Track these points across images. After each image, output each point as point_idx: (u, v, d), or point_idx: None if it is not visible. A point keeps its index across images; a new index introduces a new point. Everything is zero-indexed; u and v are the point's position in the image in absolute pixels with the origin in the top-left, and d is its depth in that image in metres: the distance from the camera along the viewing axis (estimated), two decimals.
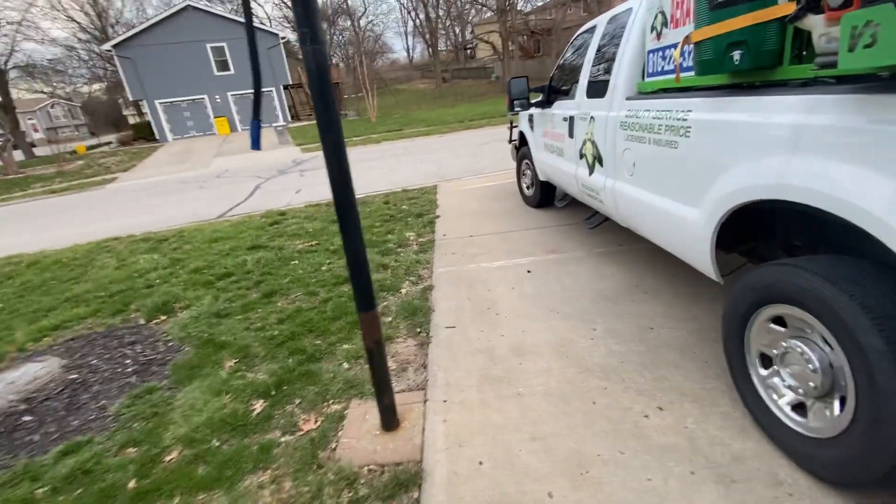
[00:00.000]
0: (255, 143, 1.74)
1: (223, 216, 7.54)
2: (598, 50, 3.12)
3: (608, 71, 2.86)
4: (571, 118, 3.44)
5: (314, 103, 1.49)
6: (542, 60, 33.56)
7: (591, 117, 3.04)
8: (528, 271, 3.55)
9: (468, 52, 49.99)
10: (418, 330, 2.86)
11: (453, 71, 43.57)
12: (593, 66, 3.16)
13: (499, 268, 3.71)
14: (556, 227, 4.53)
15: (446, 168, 9.03)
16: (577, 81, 3.43)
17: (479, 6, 40.69)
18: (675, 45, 2.18)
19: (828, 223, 1.45)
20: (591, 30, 3.36)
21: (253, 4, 42.95)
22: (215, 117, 24.78)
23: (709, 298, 2.79)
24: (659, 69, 2.36)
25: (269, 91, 25.88)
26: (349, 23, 42.31)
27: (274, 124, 19.40)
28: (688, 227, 2.02)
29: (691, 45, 1.81)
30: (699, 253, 1.99)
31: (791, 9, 1.48)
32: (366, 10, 47.76)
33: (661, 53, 2.33)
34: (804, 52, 1.53)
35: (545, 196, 5.00)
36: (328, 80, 1.47)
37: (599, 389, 2.12)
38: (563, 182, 3.93)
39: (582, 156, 3.29)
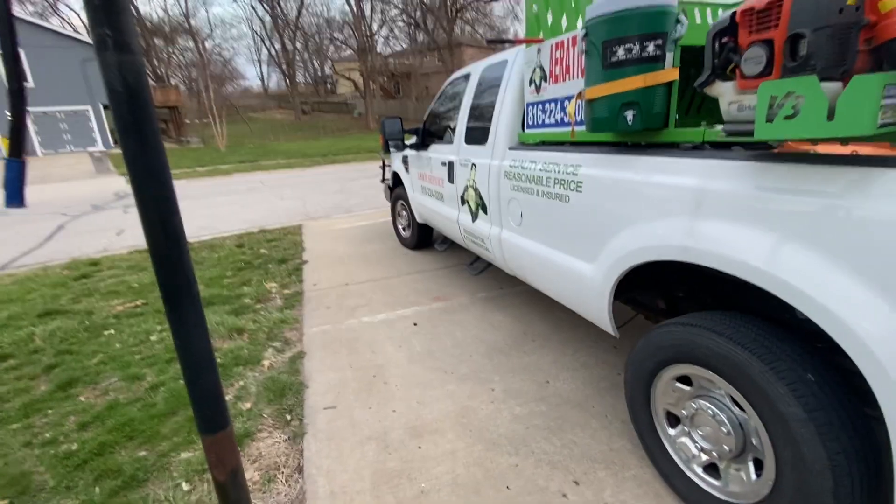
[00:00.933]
0: (14, 198, 1.12)
1: (6, 267, 5.67)
2: (476, 97, 3.09)
3: (488, 119, 2.82)
4: (451, 163, 3.33)
5: (121, 138, 0.99)
6: (403, 102, 34.93)
7: (473, 164, 2.96)
8: (415, 324, 3.25)
9: (328, 86, 49.53)
10: (288, 417, 2.30)
11: (313, 104, 42.53)
12: (471, 113, 3.12)
13: (382, 322, 3.33)
14: (436, 270, 4.36)
15: (312, 205, 8.37)
16: (454, 127, 3.36)
17: (339, 43, 40.94)
18: (555, 100, 2.19)
19: (713, 277, 1.47)
20: (466, 77, 3.35)
21: (65, 10, 36.18)
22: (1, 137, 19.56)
23: (592, 343, 2.84)
24: (539, 122, 2.35)
25: (83, 109, 21.59)
26: (192, 43, 38.40)
27: (89, 148, 16.06)
28: (583, 282, 1.97)
29: (581, 102, 1.79)
30: (596, 308, 1.94)
31: (675, 74, 1.51)
32: (212, 31, 44.00)
33: (540, 107, 2.33)
34: (685, 115, 1.59)
35: (423, 237, 4.84)
36: (145, 104, 1.00)
37: (511, 468, 1.89)
38: (444, 227, 3.79)
39: (464, 202, 3.18)
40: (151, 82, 35.77)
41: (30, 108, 18.54)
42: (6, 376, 2.80)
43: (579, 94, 1.64)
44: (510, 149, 2.55)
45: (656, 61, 1.50)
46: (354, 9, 31.89)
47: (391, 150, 4.07)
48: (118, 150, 21.55)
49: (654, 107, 1.55)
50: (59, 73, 20.43)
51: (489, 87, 2.91)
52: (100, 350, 3.11)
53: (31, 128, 20.36)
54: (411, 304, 3.62)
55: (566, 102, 2.08)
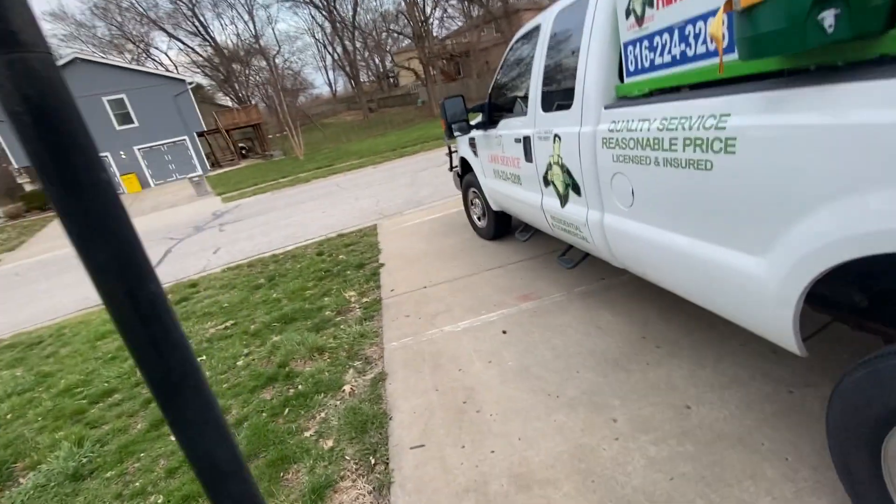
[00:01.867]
0: None
1: None
2: (550, 53, 2.51)
3: (570, 76, 2.24)
4: (527, 139, 2.80)
5: (40, 180, 0.65)
6: (465, 82, 34.10)
7: (556, 136, 2.40)
8: (504, 332, 2.81)
9: (391, 80, 50.12)
10: (372, 460, 2.00)
11: (378, 100, 43.32)
12: (546, 73, 2.55)
13: (466, 330, 2.94)
14: (520, 263, 3.86)
15: (385, 203, 8.25)
16: (526, 94, 2.81)
17: (396, 35, 41.01)
18: (671, 28, 1.57)
19: None
20: (534, 31, 2.77)
21: (155, 52, 40.59)
22: (122, 175, 22.45)
23: (739, 347, 2.18)
24: (647, 64, 1.74)
25: (181, 139, 23.98)
26: (264, 63, 40.95)
27: (189, 175, 17.74)
28: (749, 283, 1.37)
29: (729, 16, 1.18)
30: (771, 320, 1.34)
31: None
32: (280, 48, 46.47)
33: (647, 43, 1.72)
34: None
35: (501, 226, 4.35)
36: (69, 123, 0.64)
37: None
38: (526, 214, 3.28)
39: (548, 183, 2.64)
40: (235, 105, 38.91)
41: (139, 146, 20.97)
42: (109, 413, 2.88)
43: (728, 4, 1.06)
44: (606, 108, 1.96)
45: None
46: None
47: (455, 133, 3.62)
48: (214, 172, 23.70)
49: None
50: (158, 110, 22.81)
51: (567, 35, 2.32)
52: None
53: (142, 162, 23.11)
54: (496, 306, 3.18)
55: (693, 26, 1.47)
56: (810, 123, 1.10)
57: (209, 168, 25.05)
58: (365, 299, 3.87)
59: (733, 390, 1.93)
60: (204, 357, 3.44)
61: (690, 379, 2.05)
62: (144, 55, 39.11)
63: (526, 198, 3.06)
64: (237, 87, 41.75)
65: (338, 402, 2.47)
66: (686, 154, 1.49)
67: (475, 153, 4.03)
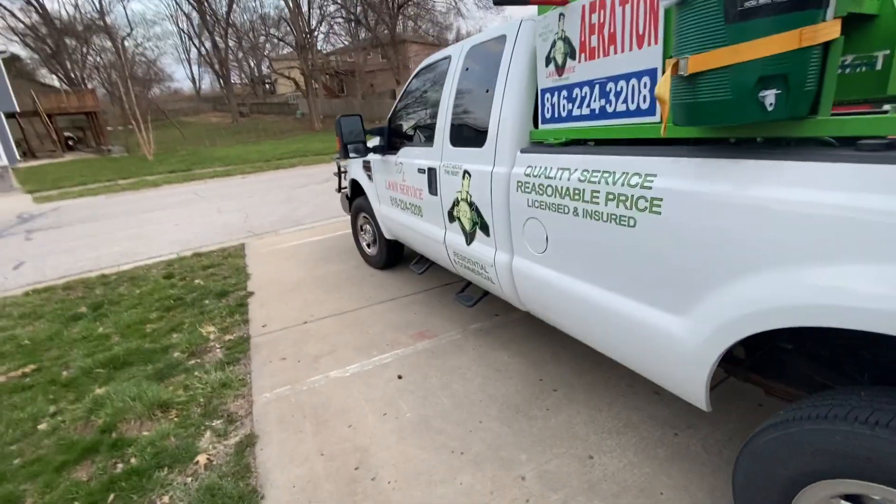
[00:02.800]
0: None
1: None
2: (461, 86, 2.44)
3: (483, 113, 2.18)
4: (432, 170, 2.67)
5: None
6: (349, 100, 33.63)
7: (466, 172, 2.30)
8: (399, 377, 2.57)
9: (267, 86, 46.97)
10: None
11: (252, 105, 40.13)
12: (456, 106, 2.46)
13: (356, 376, 2.62)
14: (413, 296, 3.68)
15: (256, 219, 7.38)
16: (432, 124, 2.69)
17: (276, 40, 38.76)
18: (592, 83, 1.58)
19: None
20: (443, 62, 2.69)
21: None
22: None
23: (626, 388, 2.29)
24: (564, 113, 1.74)
25: None
26: (109, 43, 34.88)
27: None
28: (665, 342, 1.38)
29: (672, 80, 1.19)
30: (685, 378, 1.36)
31: (837, 30, 0.94)
32: (132, 30, 40.15)
33: (565, 93, 1.72)
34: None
35: (393, 255, 4.14)
36: None
37: None
38: (425, 248, 3.12)
39: (454, 219, 2.53)
40: (64, 86, 32.16)
41: None
42: None
43: (674, 67, 1.05)
44: (522, 151, 1.92)
45: (816, 6, 0.92)
46: (291, 3, 30.15)
47: (351, 154, 3.33)
48: (27, 164, 19.03)
49: (806, 82, 0.97)
50: None
51: (482, 71, 2.27)
52: None
53: None
54: (390, 345, 2.93)
55: (615, 84, 1.48)
56: (731, 193, 1.14)
57: (19, 158, 20.01)
58: (228, 337, 3.26)
59: (628, 436, 1.98)
60: None
61: (589, 425, 2.06)
62: None
63: (427, 231, 2.91)
64: (70, 67, 34.71)
65: (189, 480, 1.93)
66: (608, 208, 1.48)
67: (370, 177, 3.78)
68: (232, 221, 7.35)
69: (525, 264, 1.98)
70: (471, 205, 2.30)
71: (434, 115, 2.66)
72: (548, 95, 1.82)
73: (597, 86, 1.57)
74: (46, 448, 2.21)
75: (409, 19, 36.29)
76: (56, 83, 34.18)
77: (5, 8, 31.36)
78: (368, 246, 4.44)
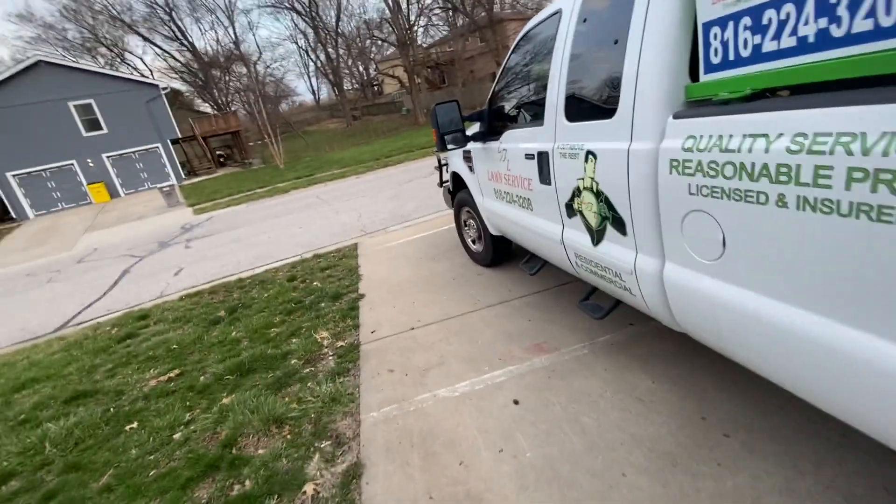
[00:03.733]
0: None
1: (64, 327, 5.44)
2: (577, 45, 1.93)
3: (612, 74, 1.66)
4: (543, 154, 2.21)
5: None
6: (450, 90, 33.74)
7: (589, 153, 1.81)
8: (516, 402, 2.19)
9: (375, 88, 49.56)
10: None
11: (363, 108, 42.69)
12: (571, 71, 1.96)
13: (466, 396, 2.32)
14: (526, 298, 3.26)
15: (367, 217, 7.59)
16: (541, 100, 2.22)
17: (380, 42, 40.51)
18: None
19: None
20: (551, 20, 2.19)
21: (131, 57, 39.26)
22: (89, 184, 21.19)
23: (839, 435, 1.61)
24: (748, 51, 1.17)
25: (154, 147, 22.89)
26: (244, 69, 39.94)
27: (158, 185, 16.76)
28: None
29: None
30: None
31: None
32: (261, 54, 45.50)
33: (750, 19, 1.14)
34: None
35: (500, 252, 3.76)
36: None
37: None
38: (538, 246, 2.68)
39: (574, 213, 2.05)
40: (214, 111, 37.76)
41: (108, 154, 19.94)
42: None
43: None
44: (676, 117, 1.37)
45: None
46: (390, 2, 31.12)
47: (449, 146, 3.01)
48: (189, 181, 22.67)
49: None
50: (129, 117, 21.72)
51: (604, 19, 1.75)
52: (112, 461, 2.41)
53: (111, 170, 21.94)
54: (502, 359, 2.57)
55: None
56: None
57: (184, 177, 23.96)
58: (340, 343, 3.22)
59: None
60: (135, 424, 2.73)
61: (788, 495, 1.46)
62: (119, 59, 37.73)
63: (538, 227, 2.47)
64: (216, 94, 40.62)
65: None
66: (849, 194, 0.90)
67: (471, 168, 3.44)
68: (347, 221, 7.67)
69: (685, 275, 1.44)
70: (598, 195, 1.80)
71: (543, 88, 2.18)
72: (716, 29, 1.25)
73: None
74: (177, 460, 2.31)
75: None
76: (208, 109, 40.32)
77: (165, 51, 37.76)
78: (473, 242, 4.12)
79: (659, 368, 2.20)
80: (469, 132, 3.12)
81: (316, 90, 57.46)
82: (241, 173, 22.63)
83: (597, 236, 1.90)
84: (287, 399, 2.64)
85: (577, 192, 1.96)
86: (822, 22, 0.97)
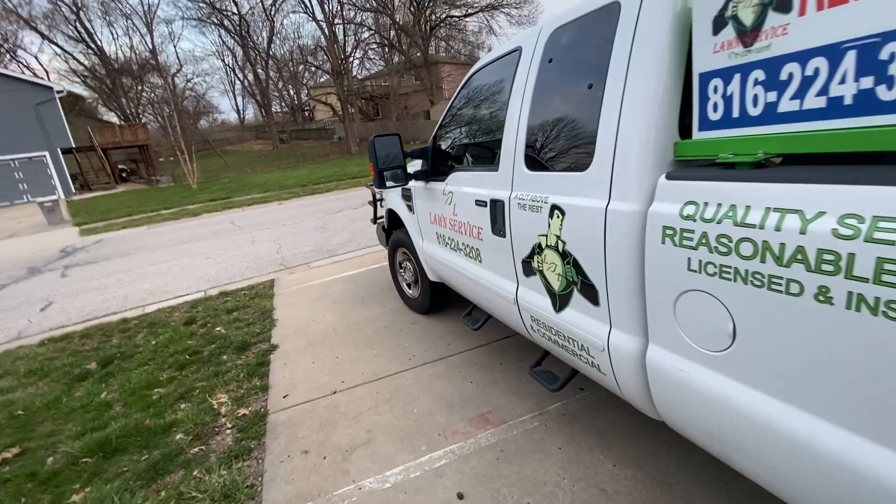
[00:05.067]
0: None
1: None
2: (540, 86, 1.72)
3: (584, 120, 1.45)
4: (497, 203, 1.95)
5: None
6: (383, 122, 33.86)
7: (556, 208, 1.57)
8: (461, 497, 1.82)
9: (306, 113, 48.42)
10: None
11: (291, 132, 41.34)
12: (533, 114, 1.74)
13: (399, 489, 1.90)
14: (466, 353, 2.94)
15: (288, 249, 6.93)
16: (495, 141, 1.99)
17: (314, 69, 39.91)
18: (832, 49, 0.83)
19: None
20: (508, 58, 1.98)
21: (23, 54, 34.70)
22: None
23: None
24: (759, 109, 0.99)
25: (40, 156, 19.96)
26: (161, 80, 37.01)
27: (39, 199, 14.46)
28: None
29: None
30: None
31: None
32: (181, 66, 42.57)
33: (762, 73, 0.97)
34: None
35: (438, 298, 3.44)
36: None
37: None
38: (483, 300, 2.40)
39: (532, 271, 1.79)
40: (121, 121, 34.21)
41: None
42: None
43: None
44: (670, 178, 1.16)
45: None
46: (327, 32, 30.93)
47: (388, 183, 2.68)
48: (81, 196, 19.95)
49: None
50: (11, 119, 18.84)
51: (578, 60, 1.55)
52: None
53: None
54: (443, 435, 2.19)
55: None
56: None
57: (75, 191, 21.06)
58: (242, 411, 2.64)
59: None
60: None
61: None
62: (9, 56, 33.12)
63: (487, 281, 2.19)
64: (125, 103, 37.00)
65: None
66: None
67: (410, 208, 3.13)
68: (265, 253, 6.93)
69: (675, 362, 1.20)
70: (563, 255, 1.56)
71: (498, 128, 1.95)
72: (717, 82, 1.07)
73: (851, 52, 0.81)
74: None
75: (441, 40, 36.48)
76: (115, 119, 36.49)
77: (66, 52, 33.94)
78: (409, 286, 3.76)
79: (617, 446, 1.96)
80: (410, 169, 2.82)
81: (241, 109, 54.84)
82: (146, 191, 20.40)
83: (560, 301, 1.65)
84: (163, 495, 2.02)
85: (537, 250, 1.71)
86: (867, 82, 0.80)
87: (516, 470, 1.91)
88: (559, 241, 1.56)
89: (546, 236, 1.63)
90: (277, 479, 2.04)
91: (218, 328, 4.00)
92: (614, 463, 1.88)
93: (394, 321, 3.61)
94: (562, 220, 1.53)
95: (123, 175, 27.47)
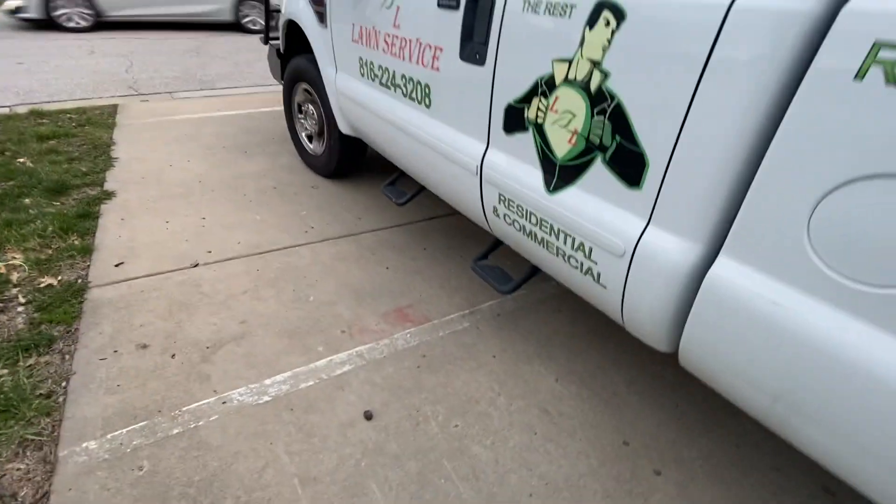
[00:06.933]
0: None
1: None
2: None
3: None
4: (473, 2, 1.20)
5: None
6: None
7: (606, 6, 0.90)
8: (368, 416, 1.37)
9: None
10: None
11: None
12: None
13: (282, 403, 1.38)
14: (383, 231, 2.35)
15: (143, 70, 5.22)
16: None
17: None
18: None
19: None
20: None
21: None
22: None
23: (771, 470, 1.31)
24: None
25: None
26: None
27: None
28: None
29: None
30: None
31: None
32: None
33: None
34: None
35: (349, 158, 2.67)
36: None
37: None
38: (422, 167, 1.74)
39: (521, 124, 1.16)
40: None
41: None
42: None
43: None
44: None
45: None
46: None
47: None
48: None
49: None
50: None
51: None
52: None
53: None
54: (346, 333, 1.68)
55: None
56: None
57: None
58: (47, 280, 1.81)
59: None
60: None
61: None
62: None
63: (436, 137, 1.51)
64: None
65: None
66: None
67: (321, 17, 2.14)
68: (107, 69, 5.14)
69: (771, 292, 0.74)
70: (596, 98, 0.94)
71: None
72: None
73: None
74: None
75: None
76: None
77: None
78: (310, 139, 2.89)
79: (560, 357, 1.65)
80: None
81: None
82: None
83: (562, 176, 1.08)
84: None
85: (542, 88, 1.07)
86: None
87: (442, 382, 1.50)
88: (595, 72, 0.93)
89: (570, 63, 0.98)
90: (93, 385, 1.38)
91: (21, 159, 2.79)
92: (557, 377, 1.57)
93: (287, 181, 2.80)
94: (614, 30, 0.88)
95: None
